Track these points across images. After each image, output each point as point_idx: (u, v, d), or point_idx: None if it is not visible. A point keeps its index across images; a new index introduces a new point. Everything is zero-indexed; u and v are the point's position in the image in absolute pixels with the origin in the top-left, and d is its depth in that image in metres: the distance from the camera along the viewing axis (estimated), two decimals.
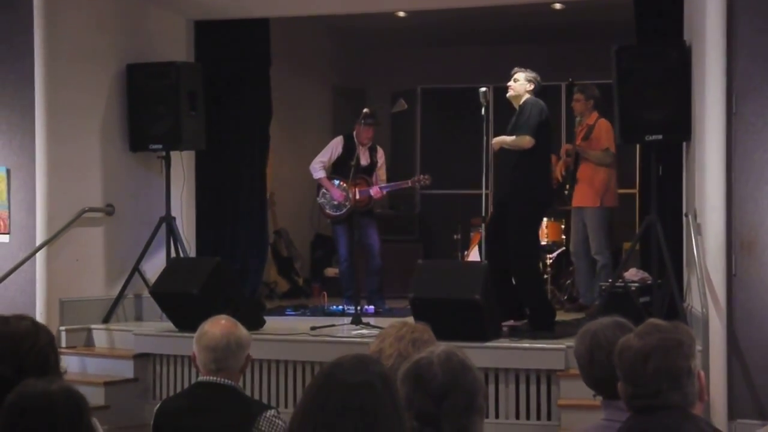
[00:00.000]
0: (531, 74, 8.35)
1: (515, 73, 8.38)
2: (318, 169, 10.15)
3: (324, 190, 10.16)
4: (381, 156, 10.25)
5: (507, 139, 8.25)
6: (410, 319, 3.70)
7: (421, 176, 10.16)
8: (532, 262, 8.61)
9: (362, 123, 9.89)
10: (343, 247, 10.11)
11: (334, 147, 10.18)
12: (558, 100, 11.57)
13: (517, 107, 8.34)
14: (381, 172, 10.19)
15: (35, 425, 2.75)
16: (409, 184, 10.24)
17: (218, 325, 4.19)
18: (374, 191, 9.97)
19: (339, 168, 10.11)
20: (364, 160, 10.05)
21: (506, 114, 8.66)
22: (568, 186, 9.90)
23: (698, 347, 6.29)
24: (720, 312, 6.95)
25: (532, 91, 8.32)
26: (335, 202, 10.06)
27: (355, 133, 10.06)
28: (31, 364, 3.27)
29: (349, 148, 10.00)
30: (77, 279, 8.95)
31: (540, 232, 10.05)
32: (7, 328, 3.36)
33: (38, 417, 2.75)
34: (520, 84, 8.31)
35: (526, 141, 8.14)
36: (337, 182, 10.07)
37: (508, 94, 8.36)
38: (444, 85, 12.80)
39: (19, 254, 8.69)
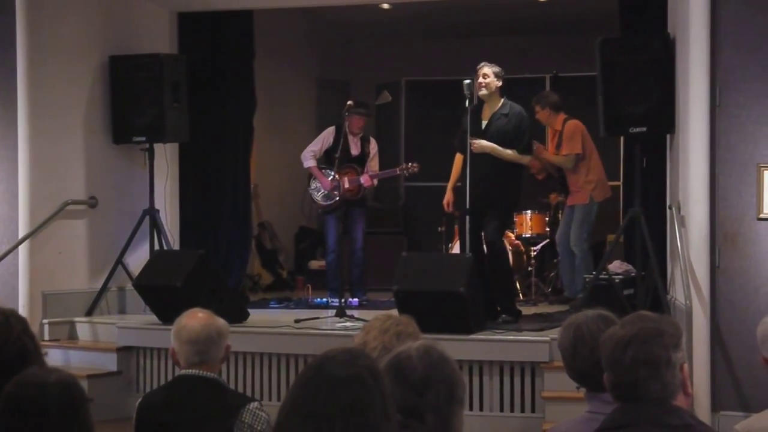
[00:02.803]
0: (497, 68, 8.35)
1: (482, 68, 8.34)
2: (308, 158, 10.13)
3: (314, 180, 10.15)
4: (373, 147, 10.23)
5: (503, 152, 8.22)
6: (394, 312, 3.69)
7: (410, 164, 10.12)
8: (506, 257, 8.89)
9: (345, 114, 9.86)
10: (332, 238, 10.08)
11: (325, 137, 10.16)
12: None
13: (490, 104, 8.33)
14: (373, 163, 10.17)
15: (28, 416, 2.74)
16: (398, 172, 10.22)
17: (196, 318, 4.18)
18: (364, 179, 9.95)
19: (330, 159, 10.09)
20: (355, 150, 10.05)
21: None
22: (563, 195, 10.02)
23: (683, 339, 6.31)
24: (703, 304, 6.97)
25: (501, 86, 8.33)
26: (325, 192, 10.03)
27: (346, 124, 10.03)
28: (10, 355, 3.26)
29: (340, 139, 9.97)
30: (60, 272, 8.92)
31: (521, 225, 10.26)
32: None
33: (32, 408, 2.74)
34: (492, 80, 8.30)
35: (527, 160, 8.43)
36: (330, 172, 10.04)
37: (481, 93, 8.31)
38: (428, 77, 12.79)
39: (1, 247, 8.66)
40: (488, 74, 8.29)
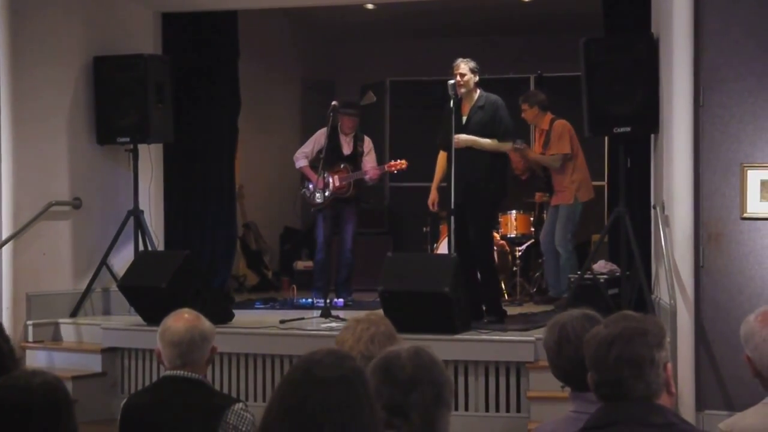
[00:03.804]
0: (472, 63, 8.37)
1: (458, 66, 8.35)
2: (300, 159, 10.13)
3: (306, 180, 10.12)
4: (368, 145, 10.20)
5: (483, 142, 8.24)
6: (361, 313, 3.71)
7: (397, 161, 10.06)
8: (492, 257, 8.86)
9: (330, 114, 9.83)
10: (320, 236, 10.05)
11: (318, 138, 10.13)
12: None
13: (468, 99, 8.34)
14: (368, 159, 10.14)
15: (11, 418, 2.74)
16: (385, 169, 10.17)
17: (181, 320, 4.16)
18: (372, 172, 9.92)
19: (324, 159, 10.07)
20: (347, 149, 10.05)
21: None
22: (548, 195, 10.03)
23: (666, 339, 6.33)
24: (688, 303, 6.98)
25: (478, 81, 8.35)
26: (316, 190, 10.00)
27: (339, 124, 10.04)
28: None
29: (333, 140, 9.94)
30: (44, 273, 8.89)
31: (506, 225, 10.24)
32: None
33: (15, 410, 2.74)
34: (468, 77, 8.32)
35: (509, 147, 8.34)
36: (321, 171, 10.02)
37: (461, 92, 8.32)
38: (413, 77, 12.80)
39: None
40: (465, 72, 8.31)
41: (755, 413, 3.66)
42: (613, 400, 2.98)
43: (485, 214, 8.36)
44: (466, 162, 8.16)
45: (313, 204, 10.08)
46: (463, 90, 8.30)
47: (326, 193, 9.89)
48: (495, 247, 9.64)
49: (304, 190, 10.15)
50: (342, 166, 9.95)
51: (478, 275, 8.42)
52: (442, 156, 8.58)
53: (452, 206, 8.09)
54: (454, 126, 8.19)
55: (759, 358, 3.66)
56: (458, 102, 8.32)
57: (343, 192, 9.95)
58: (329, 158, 9.50)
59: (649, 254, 8.15)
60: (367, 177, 9.96)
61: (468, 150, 8.22)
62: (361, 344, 3.51)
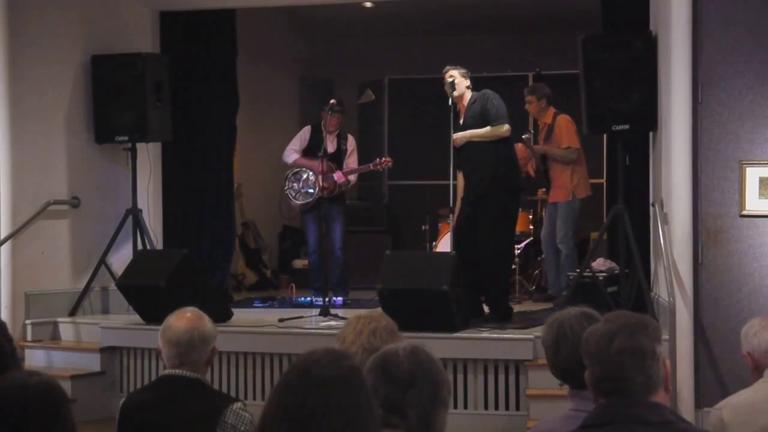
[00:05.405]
0: (462, 69, 8.37)
1: (448, 72, 8.34)
2: (291, 154, 10.14)
3: (291, 177, 10.10)
4: (351, 144, 10.22)
5: (479, 131, 8.21)
6: (362, 311, 3.73)
7: (383, 159, 10.09)
8: (510, 253, 8.80)
9: (328, 112, 9.84)
10: (312, 237, 10.08)
11: (302, 136, 10.20)
12: None
13: (461, 105, 8.34)
14: (350, 160, 10.15)
15: (9, 418, 2.73)
16: (371, 168, 10.18)
17: (183, 319, 4.15)
18: (337, 176, 9.93)
19: (307, 157, 10.09)
20: (331, 148, 10.04)
21: None
22: (545, 189, 10.00)
23: (665, 336, 6.34)
24: (687, 301, 6.99)
25: (469, 85, 8.35)
26: (304, 190, 10.00)
27: (322, 122, 10.05)
28: None
29: (316, 138, 9.99)
30: (43, 272, 8.89)
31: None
32: None
33: (13, 410, 2.74)
34: (459, 81, 8.31)
35: (506, 129, 8.22)
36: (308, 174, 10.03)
37: (455, 95, 8.31)
38: (411, 75, 12.80)
39: None
40: (454, 75, 8.31)
41: (748, 390, 3.79)
42: (614, 393, 2.98)
43: (500, 205, 8.22)
44: (470, 157, 8.18)
45: (299, 205, 10.08)
46: (456, 94, 8.29)
47: (311, 191, 9.90)
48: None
49: (288, 190, 10.14)
50: (326, 165, 9.94)
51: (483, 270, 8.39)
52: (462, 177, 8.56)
53: (451, 204, 8.09)
54: (452, 126, 8.20)
55: (757, 345, 3.73)
56: (455, 110, 8.35)
57: (330, 191, 9.94)
58: (315, 156, 9.51)
59: (648, 252, 8.16)
60: (337, 181, 9.94)
61: (469, 145, 8.22)
62: (362, 337, 3.52)
